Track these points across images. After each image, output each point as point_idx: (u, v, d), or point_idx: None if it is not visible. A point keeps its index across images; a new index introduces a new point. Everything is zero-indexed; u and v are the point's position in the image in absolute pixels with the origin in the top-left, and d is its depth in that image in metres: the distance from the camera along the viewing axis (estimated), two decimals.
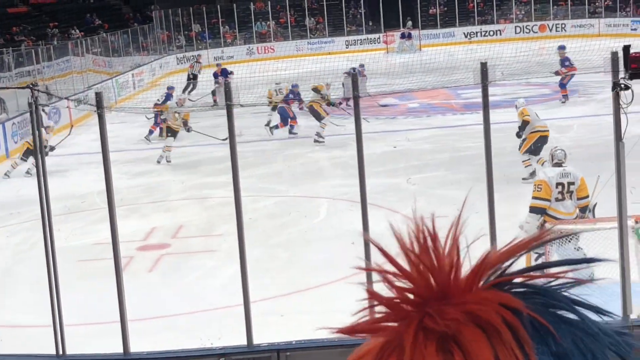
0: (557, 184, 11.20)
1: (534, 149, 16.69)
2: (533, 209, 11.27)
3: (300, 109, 23.58)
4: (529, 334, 0.71)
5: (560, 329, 0.73)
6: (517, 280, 0.76)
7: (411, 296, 0.76)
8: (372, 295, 0.78)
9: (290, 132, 23.44)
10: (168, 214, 16.42)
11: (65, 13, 48.97)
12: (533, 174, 15.65)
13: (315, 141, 21.99)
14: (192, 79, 36.05)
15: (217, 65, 34.56)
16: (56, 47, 38.01)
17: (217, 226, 14.31)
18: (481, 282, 0.76)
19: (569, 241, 10.02)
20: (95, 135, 8.96)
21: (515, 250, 0.76)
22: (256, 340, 8.63)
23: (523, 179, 16.20)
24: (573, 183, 11.21)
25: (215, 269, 12.89)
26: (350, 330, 0.77)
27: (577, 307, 0.74)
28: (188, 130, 19.46)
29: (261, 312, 8.94)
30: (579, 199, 11.16)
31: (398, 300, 0.77)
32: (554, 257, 10.07)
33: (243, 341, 8.65)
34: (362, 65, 30.46)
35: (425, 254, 0.76)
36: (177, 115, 19.88)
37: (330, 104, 22.62)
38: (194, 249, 14.45)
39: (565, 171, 11.37)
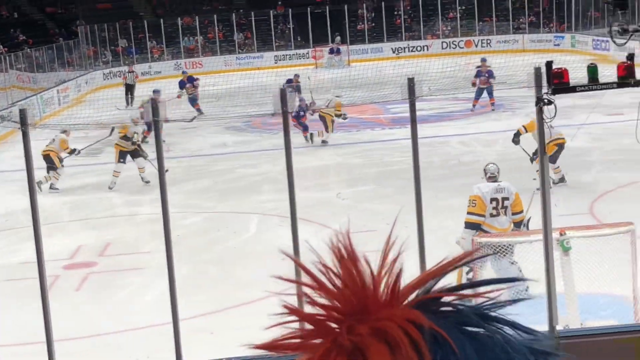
0: (492, 200, 11.23)
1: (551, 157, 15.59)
2: (468, 225, 11.32)
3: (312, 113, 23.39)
4: (431, 348, 0.73)
5: (464, 344, 0.75)
6: (442, 297, 0.79)
7: (334, 313, 0.78)
8: (293, 312, 0.79)
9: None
10: (94, 231, 16.18)
11: None
12: (562, 179, 15.75)
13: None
14: (128, 89, 36.04)
15: (183, 73, 33.99)
16: None
17: (145, 243, 14.21)
18: (406, 300, 0.78)
19: (504, 256, 10.12)
20: (19, 152, 8.82)
21: (441, 270, 0.79)
22: (186, 359, 8.62)
23: (554, 183, 15.18)
24: (507, 198, 11.24)
25: (143, 286, 12.79)
26: (270, 346, 0.79)
27: (491, 324, 0.77)
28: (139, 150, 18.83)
29: (191, 329, 8.88)
30: (513, 213, 11.17)
31: (322, 317, 0.78)
32: (489, 272, 10.21)
33: (173, 359, 8.64)
34: (297, 75, 30.77)
35: (346, 272, 0.79)
36: (135, 134, 19.29)
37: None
38: (122, 266, 14.28)
39: (500, 186, 11.40)
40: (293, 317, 0.79)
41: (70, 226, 15.99)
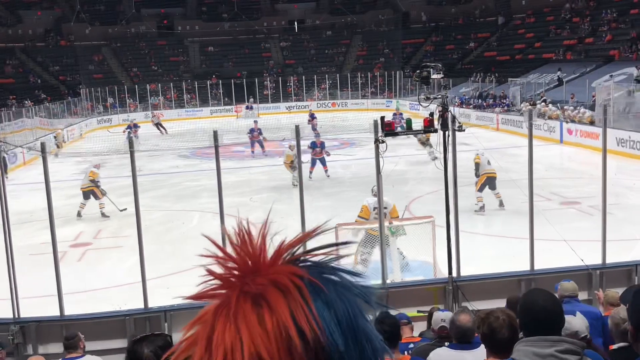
0: (375, 208, 11.19)
1: (487, 186, 14.55)
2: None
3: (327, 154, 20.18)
4: (309, 290, 0.75)
5: (327, 285, 0.77)
6: (307, 257, 0.80)
7: (235, 272, 0.79)
8: (210, 273, 0.80)
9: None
10: (90, 222, 15.87)
11: (20, 90, 46.97)
12: (482, 208, 14.38)
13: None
14: (158, 125, 36.47)
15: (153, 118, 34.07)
16: (14, 112, 36.71)
17: (124, 230, 13.93)
18: (280, 261, 0.79)
19: (392, 243, 10.11)
20: (40, 170, 8.61)
21: (299, 241, 0.81)
22: (150, 305, 8.48)
23: (475, 211, 14.39)
24: (386, 207, 11.08)
25: (122, 259, 12.54)
26: (196, 297, 0.80)
27: (338, 272, 0.79)
28: (103, 193, 16.22)
29: (154, 286, 8.75)
30: (393, 218, 10.78)
31: (227, 275, 0.79)
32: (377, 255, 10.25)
33: (141, 305, 8.49)
34: (313, 116, 30.63)
35: (244, 245, 0.80)
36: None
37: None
38: (108, 245, 14.11)
39: (376, 200, 11.16)
40: (211, 277, 0.80)
41: (74, 220, 15.60)
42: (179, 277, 10.38)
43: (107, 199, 15.83)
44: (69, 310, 8.49)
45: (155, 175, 21.15)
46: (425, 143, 19.88)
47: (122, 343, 8.07)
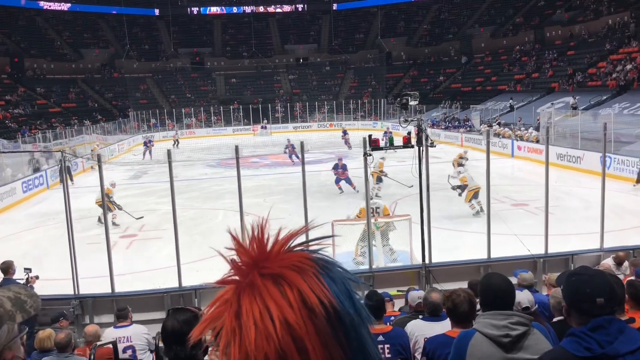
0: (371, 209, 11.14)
1: (473, 197, 14.23)
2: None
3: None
4: (319, 269, 0.76)
5: (331, 266, 0.78)
6: (304, 248, 0.80)
7: (246, 260, 0.79)
8: (229, 262, 0.79)
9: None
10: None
11: (81, 112, 46.91)
12: (479, 211, 13.93)
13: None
14: (176, 142, 36.14)
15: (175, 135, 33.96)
16: (76, 130, 36.70)
17: (163, 224, 13.91)
18: (283, 250, 0.79)
19: (377, 236, 10.07)
20: (97, 176, 8.59)
21: (294, 234, 0.80)
22: (184, 284, 8.47)
23: (473, 215, 14.05)
24: (379, 207, 10.97)
25: (161, 247, 12.53)
26: (218, 282, 0.79)
27: (330, 258, 0.80)
28: (119, 207, 15.26)
29: (186, 269, 8.73)
30: (385, 216, 10.76)
31: (241, 263, 0.79)
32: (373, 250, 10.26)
33: (176, 284, 8.48)
34: (346, 132, 30.29)
35: (254, 238, 0.80)
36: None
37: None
38: (150, 236, 14.05)
39: (373, 201, 10.91)
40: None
41: (124, 215, 15.51)
42: (206, 262, 10.35)
43: (124, 211, 15.06)
44: (118, 288, 8.50)
45: (189, 180, 21.11)
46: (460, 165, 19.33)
47: (160, 315, 8.04)
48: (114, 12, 59.65)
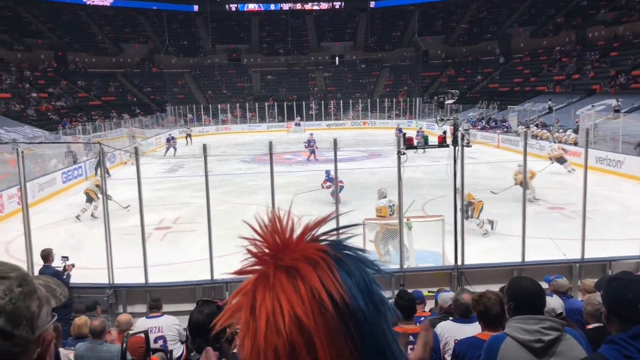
0: (389, 207, 11.16)
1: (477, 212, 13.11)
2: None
3: None
4: (333, 262, 0.74)
5: (348, 258, 0.76)
6: (328, 237, 0.79)
7: (267, 250, 0.79)
8: (249, 252, 0.80)
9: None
10: (171, 211, 16.05)
11: (120, 106, 47.89)
12: (491, 227, 12.74)
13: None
14: (188, 136, 36.31)
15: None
16: (115, 123, 37.46)
17: (197, 218, 14.08)
18: (305, 240, 0.78)
19: (408, 235, 10.03)
20: (134, 168, 8.75)
21: (318, 224, 0.79)
22: (215, 277, 8.56)
23: (484, 235, 12.60)
24: (393, 205, 10.97)
25: (195, 240, 12.67)
26: (238, 272, 0.80)
27: (352, 248, 0.78)
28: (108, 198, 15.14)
29: (219, 262, 8.80)
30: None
31: (260, 254, 0.79)
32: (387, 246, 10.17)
33: (208, 277, 8.57)
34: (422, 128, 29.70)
35: (274, 228, 0.80)
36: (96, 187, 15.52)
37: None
38: (184, 229, 14.22)
39: (389, 199, 11.14)
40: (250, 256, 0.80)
41: (158, 208, 15.77)
42: (238, 256, 10.45)
43: (113, 201, 14.41)
44: (152, 279, 8.63)
45: (223, 175, 21.33)
46: (559, 160, 19.79)
47: (191, 306, 8.13)
48: (154, 7, 60.70)
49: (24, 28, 50.14)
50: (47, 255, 8.01)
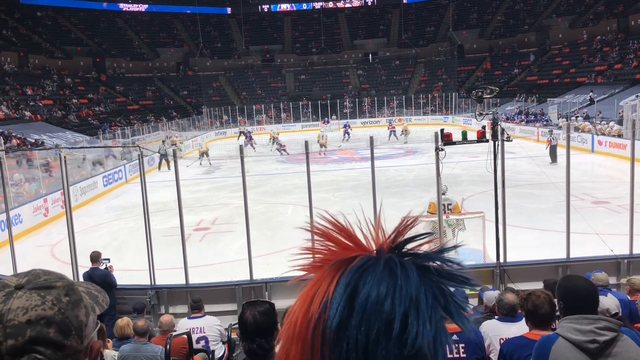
0: (446, 205, 10.93)
1: None
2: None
3: None
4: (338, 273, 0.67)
5: (357, 272, 0.66)
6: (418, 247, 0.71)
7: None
8: (309, 250, 0.73)
9: None
10: (209, 212, 16.23)
11: (157, 109, 48.77)
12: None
13: None
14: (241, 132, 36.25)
15: (247, 133, 34.50)
16: (152, 126, 38.09)
17: (235, 218, 14.18)
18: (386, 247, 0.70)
19: (448, 234, 9.86)
20: (172, 170, 8.86)
21: (405, 230, 0.71)
22: (255, 277, 8.59)
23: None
24: (450, 204, 10.71)
25: (233, 240, 12.78)
26: (303, 268, 0.71)
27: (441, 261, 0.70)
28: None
29: (257, 262, 8.86)
30: (454, 213, 10.43)
31: (326, 252, 0.71)
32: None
33: (248, 277, 8.61)
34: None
35: (343, 231, 0.73)
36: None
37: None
38: (222, 230, 14.33)
39: (445, 197, 10.49)
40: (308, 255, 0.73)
41: (197, 209, 15.98)
42: (276, 256, 10.48)
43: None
44: (192, 280, 8.72)
45: (260, 175, 21.48)
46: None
47: (232, 306, 8.22)
48: (188, 11, 61.56)
49: (64, 36, 51.56)
50: (96, 257, 8.20)
